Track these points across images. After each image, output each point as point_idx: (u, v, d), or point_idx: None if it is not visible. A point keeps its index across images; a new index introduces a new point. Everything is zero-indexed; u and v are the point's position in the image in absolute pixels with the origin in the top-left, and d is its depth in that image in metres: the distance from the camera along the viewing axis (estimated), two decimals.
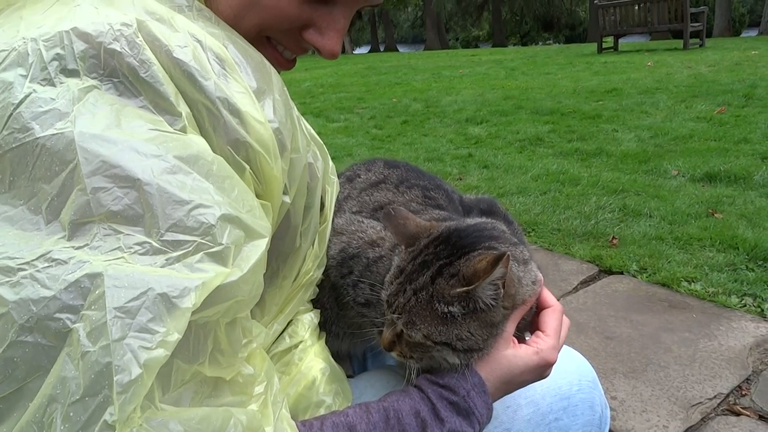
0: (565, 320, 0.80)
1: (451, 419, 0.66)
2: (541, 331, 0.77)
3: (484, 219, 0.81)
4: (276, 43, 0.73)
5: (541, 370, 0.74)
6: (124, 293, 0.44)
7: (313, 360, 0.77)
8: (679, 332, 2.13)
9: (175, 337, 0.45)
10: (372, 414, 0.64)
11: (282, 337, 0.76)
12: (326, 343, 0.87)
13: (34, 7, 0.58)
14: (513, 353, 0.72)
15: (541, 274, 0.78)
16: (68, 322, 0.43)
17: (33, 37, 0.52)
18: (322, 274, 0.84)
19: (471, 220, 0.79)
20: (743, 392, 1.80)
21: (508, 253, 0.65)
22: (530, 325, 0.80)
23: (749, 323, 2.15)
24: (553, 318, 0.77)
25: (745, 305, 2.28)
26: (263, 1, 0.66)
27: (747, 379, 1.85)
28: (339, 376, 0.79)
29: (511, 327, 0.73)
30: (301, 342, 0.78)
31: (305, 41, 0.72)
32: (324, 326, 0.88)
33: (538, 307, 0.79)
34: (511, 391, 0.75)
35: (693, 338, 2.08)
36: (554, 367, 0.90)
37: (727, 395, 1.79)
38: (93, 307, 0.44)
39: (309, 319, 0.81)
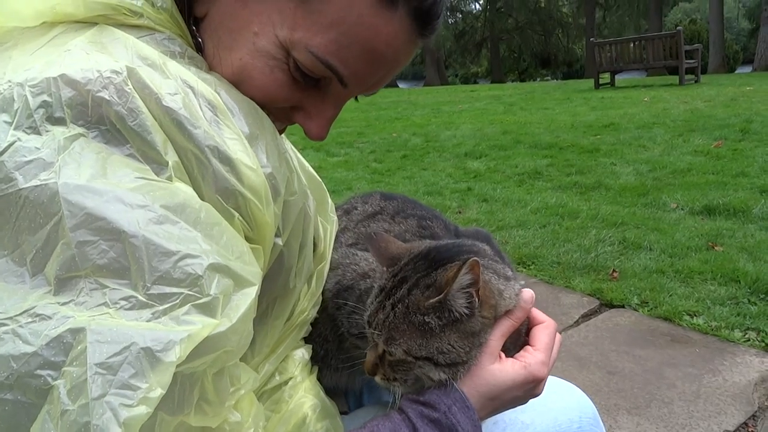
0: (558, 337, 0.78)
1: None
2: (530, 345, 0.75)
3: (466, 240, 0.81)
4: (267, 111, 0.71)
5: (530, 387, 0.72)
6: (106, 348, 0.43)
7: (304, 396, 0.75)
8: (683, 367, 2.09)
9: (158, 392, 0.44)
10: None
11: (272, 375, 0.75)
12: (326, 378, 0.85)
13: (24, 48, 0.57)
14: (498, 368, 0.70)
15: (530, 290, 0.77)
16: (49, 379, 0.42)
17: (19, 81, 0.51)
18: (323, 306, 0.83)
19: (451, 240, 0.79)
20: (750, 429, 1.76)
21: (476, 258, 0.64)
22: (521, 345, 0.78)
23: (753, 358, 2.11)
24: (544, 333, 0.76)
25: (748, 339, 2.25)
26: (253, 81, 0.64)
27: (753, 415, 1.81)
28: (330, 412, 0.77)
29: (497, 341, 0.71)
30: (290, 379, 0.76)
31: (293, 119, 0.71)
32: (324, 359, 0.87)
33: (530, 325, 0.78)
34: (501, 409, 0.72)
35: (697, 373, 2.05)
36: (554, 402, 0.88)
37: None
38: (74, 363, 0.43)
39: (300, 355, 0.80)
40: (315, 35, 0.62)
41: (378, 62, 0.65)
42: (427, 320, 0.67)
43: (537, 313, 0.78)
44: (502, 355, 0.72)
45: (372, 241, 0.77)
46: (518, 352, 0.74)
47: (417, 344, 0.67)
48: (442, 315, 0.67)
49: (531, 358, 0.72)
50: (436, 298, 0.66)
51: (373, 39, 0.62)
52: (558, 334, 0.79)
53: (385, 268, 0.75)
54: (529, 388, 0.72)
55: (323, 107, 0.69)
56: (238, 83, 0.64)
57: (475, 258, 0.64)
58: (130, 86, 0.53)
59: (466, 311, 0.67)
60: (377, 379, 0.71)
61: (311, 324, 0.84)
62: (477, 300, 0.67)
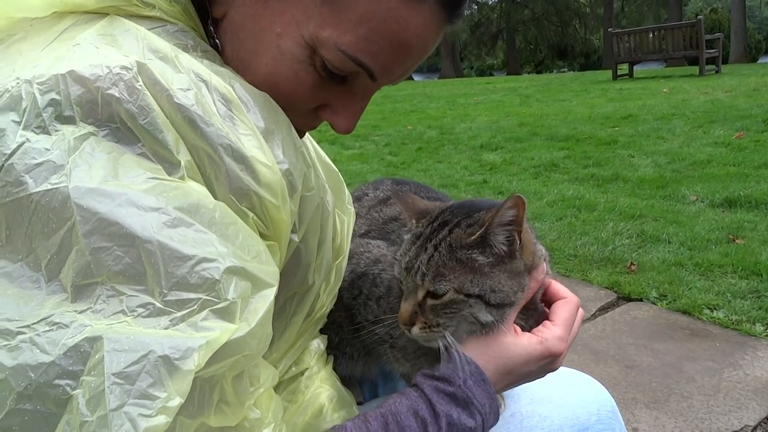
0: (580, 312, 0.77)
1: (449, 411, 0.64)
2: (549, 320, 0.74)
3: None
4: (292, 113, 0.68)
5: (546, 362, 0.71)
6: (123, 357, 0.43)
7: (320, 387, 0.75)
8: (702, 361, 2.07)
9: (177, 401, 0.43)
10: (370, 422, 0.63)
11: (289, 366, 0.75)
12: (341, 366, 0.85)
13: (34, 41, 0.56)
14: (513, 341, 0.70)
15: (542, 264, 0.78)
16: (68, 389, 0.42)
17: (27, 78, 0.50)
18: (338, 295, 0.83)
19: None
20: None
21: (521, 195, 0.65)
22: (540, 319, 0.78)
23: None
24: (564, 309, 0.75)
25: None
26: (279, 87, 0.63)
27: None
28: (347, 401, 0.77)
29: (512, 313, 0.71)
30: (307, 369, 0.76)
31: (320, 117, 0.70)
32: (339, 347, 0.87)
33: (551, 300, 0.78)
34: (517, 383, 0.72)
35: (717, 368, 2.02)
36: (571, 395, 0.87)
37: (755, 428, 1.72)
38: (92, 373, 0.42)
39: (316, 345, 0.80)
40: (344, 33, 0.59)
41: (408, 54, 0.63)
42: (473, 256, 0.68)
43: (559, 288, 0.78)
44: (518, 329, 0.72)
45: (399, 196, 0.79)
46: (533, 327, 0.74)
47: (469, 280, 0.67)
48: (485, 251, 0.68)
49: (548, 333, 0.72)
50: (479, 232, 0.67)
51: (403, 32, 0.60)
52: (581, 309, 0.78)
53: (414, 221, 0.76)
54: (544, 363, 0.71)
55: (351, 102, 0.67)
56: (266, 89, 0.62)
57: (520, 195, 0.65)
58: (141, 83, 0.51)
59: (505, 249, 0.68)
60: (415, 329, 0.70)
61: None
62: (519, 241, 0.68)
